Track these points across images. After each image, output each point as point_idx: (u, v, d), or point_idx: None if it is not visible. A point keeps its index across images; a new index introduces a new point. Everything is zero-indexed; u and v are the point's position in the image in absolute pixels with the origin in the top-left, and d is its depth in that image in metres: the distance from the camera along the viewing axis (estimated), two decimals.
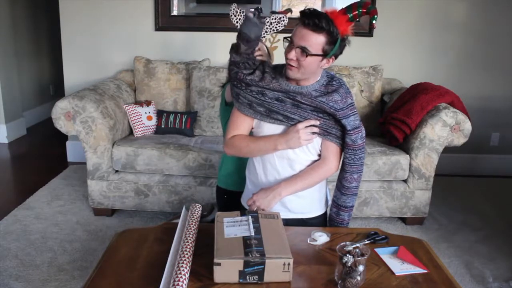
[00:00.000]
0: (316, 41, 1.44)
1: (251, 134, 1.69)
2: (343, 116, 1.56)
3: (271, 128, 1.60)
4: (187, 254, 1.27)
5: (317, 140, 1.61)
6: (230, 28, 2.22)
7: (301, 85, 1.55)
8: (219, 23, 3.55)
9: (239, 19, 1.98)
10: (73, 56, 3.70)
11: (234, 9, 1.99)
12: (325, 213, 1.76)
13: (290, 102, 1.56)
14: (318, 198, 1.72)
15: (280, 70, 1.58)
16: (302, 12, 1.45)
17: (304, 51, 1.44)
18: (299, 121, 1.56)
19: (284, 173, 1.62)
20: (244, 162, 1.80)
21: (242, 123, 1.64)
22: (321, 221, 1.73)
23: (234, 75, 1.61)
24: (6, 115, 4.41)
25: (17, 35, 4.66)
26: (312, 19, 1.42)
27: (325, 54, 1.47)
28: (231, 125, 1.65)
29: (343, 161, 1.65)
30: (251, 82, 1.58)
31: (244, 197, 1.77)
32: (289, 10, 2.03)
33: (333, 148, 1.62)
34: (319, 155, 1.63)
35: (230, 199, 1.95)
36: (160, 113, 3.20)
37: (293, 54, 1.46)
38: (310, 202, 1.69)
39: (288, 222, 1.62)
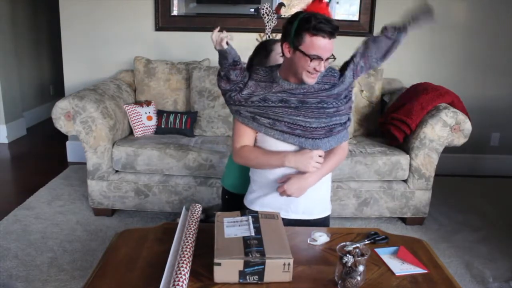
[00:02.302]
0: (332, 45, 1.49)
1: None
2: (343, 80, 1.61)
3: (274, 143, 1.61)
4: (187, 254, 1.27)
5: None
6: (230, 28, 2.23)
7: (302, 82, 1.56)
8: (219, 23, 3.54)
9: (270, 19, 2.05)
10: (73, 56, 3.70)
11: (266, 8, 2.06)
12: (328, 216, 1.76)
13: (295, 100, 1.57)
14: (324, 198, 1.73)
15: (276, 72, 1.60)
16: (313, 19, 1.44)
17: (328, 59, 1.49)
18: (312, 148, 1.57)
19: (291, 171, 1.62)
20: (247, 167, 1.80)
21: (246, 132, 1.65)
22: (323, 221, 1.74)
23: (230, 99, 1.63)
24: (6, 115, 4.42)
25: (17, 35, 4.66)
26: (330, 26, 1.44)
27: None
28: (236, 135, 1.66)
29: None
30: (250, 95, 1.59)
31: (248, 199, 1.76)
32: (282, 5, 2.10)
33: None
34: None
35: (231, 199, 1.96)
36: (160, 113, 3.20)
37: (324, 67, 1.49)
38: (315, 203, 1.69)
39: (291, 223, 1.63)
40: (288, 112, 1.56)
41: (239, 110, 1.62)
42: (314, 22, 1.43)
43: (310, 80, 1.52)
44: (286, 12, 3.28)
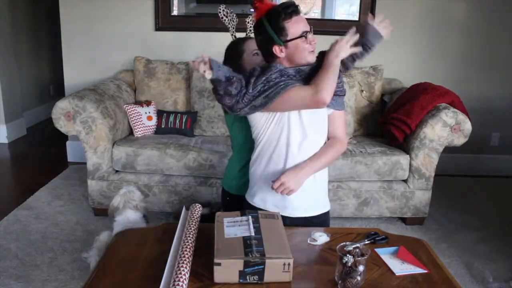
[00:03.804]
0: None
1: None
2: None
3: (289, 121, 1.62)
4: (187, 254, 1.27)
5: (324, 126, 1.66)
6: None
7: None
8: (219, 23, 3.53)
9: (230, 19, 2.03)
10: (73, 56, 3.70)
11: (223, 10, 2.05)
12: (328, 212, 1.77)
13: (293, 70, 1.58)
14: (322, 194, 1.74)
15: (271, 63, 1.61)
16: (282, 10, 1.53)
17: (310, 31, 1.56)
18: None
19: (293, 163, 1.62)
20: (248, 167, 1.80)
21: (292, 91, 1.55)
22: (325, 220, 1.74)
23: (239, 104, 1.56)
24: (6, 115, 4.41)
25: (17, 35, 4.66)
26: (293, 6, 1.54)
27: None
28: (300, 95, 1.54)
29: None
30: (255, 87, 1.56)
31: (249, 193, 1.76)
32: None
33: (339, 121, 1.68)
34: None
35: (232, 201, 1.95)
36: (160, 113, 3.20)
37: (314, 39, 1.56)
38: (313, 198, 1.70)
39: (293, 221, 1.63)
40: (291, 79, 1.57)
41: (254, 105, 1.57)
42: (282, 11, 1.53)
43: (313, 56, 1.58)
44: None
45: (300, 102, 1.55)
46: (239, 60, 1.82)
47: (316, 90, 1.50)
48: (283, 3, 1.55)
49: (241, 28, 2.08)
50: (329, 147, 1.66)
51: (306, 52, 1.56)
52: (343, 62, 1.61)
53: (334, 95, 1.59)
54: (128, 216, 2.10)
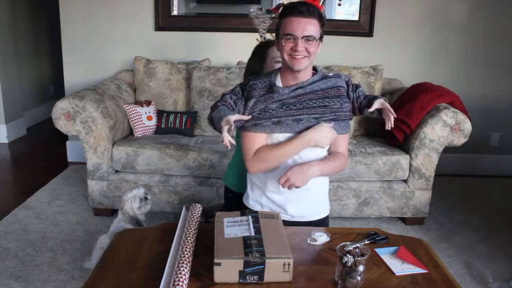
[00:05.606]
0: (315, 26, 1.51)
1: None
2: (354, 89, 1.63)
3: (282, 137, 1.59)
4: (187, 254, 1.27)
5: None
6: (230, 28, 2.23)
7: (298, 81, 1.57)
8: (219, 23, 3.55)
9: (261, 21, 2.03)
10: (73, 56, 3.70)
11: (255, 10, 2.05)
12: (327, 217, 1.76)
13: (295, 99, 1.56)
14: (322, 200, 1.73)
15: (275, 79, 1.59)
16: (290, 5, 1.51)
17: (309, 39, 1.49)
18: (320, 122, 1.56)
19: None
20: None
21: (256, 140, 1.59)
22: (322, 222, 1.73)
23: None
24: (6, 115, 4.41)
25: (17, 35, 4.66)
26: (304, 6, 1.49)
27: (321, 37, 1.54)
28: (247, 147, 1.60)
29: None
30: (251, 112, 1.57)
31: (246, 198, 1.76)
32: (282, 5, 2.08)
33: (342, 142, 1.66)
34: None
35: (234, 198, 1.96)
36: (160, 113, 3.20)
37: (301, 47, 1.49)
38: (312, 204, 1.69)
39: (291, 225, 1.63)
40: (290, 113, 1.56)
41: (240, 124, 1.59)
42: (287, 7, 1.52)
43: (295, 62, 1.51)
44: None
45: (243, 150, 1.61)
46: (262, 63, 1.85)
47: (253, 160, 1.57)
48: (300, 2, 1.52)
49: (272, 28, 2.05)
50: (332, 157, 1.64)
51: (284, 53, 1.52)
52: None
53: (336, 119, 1.58)
54: (119, 217, 2.27)
